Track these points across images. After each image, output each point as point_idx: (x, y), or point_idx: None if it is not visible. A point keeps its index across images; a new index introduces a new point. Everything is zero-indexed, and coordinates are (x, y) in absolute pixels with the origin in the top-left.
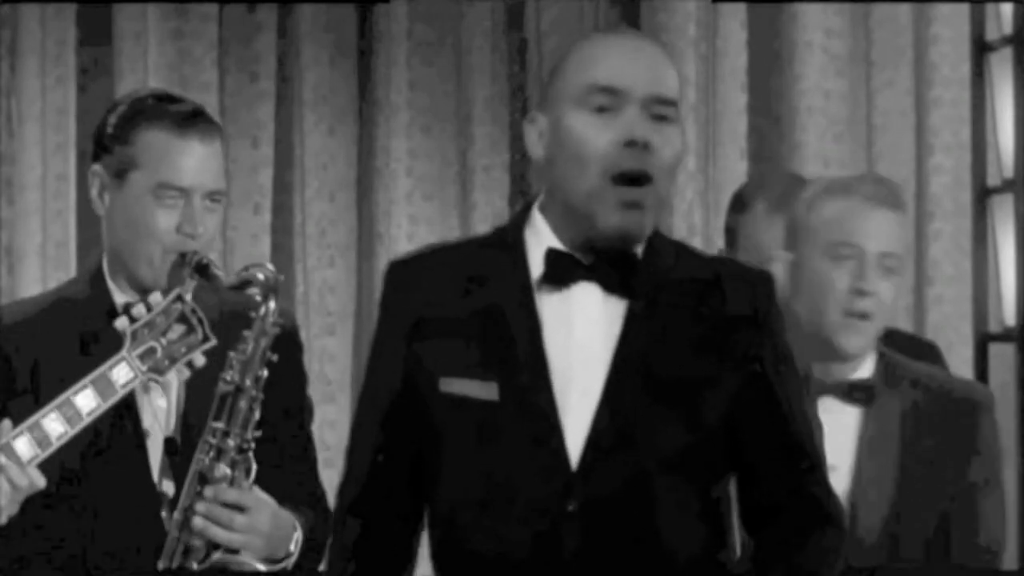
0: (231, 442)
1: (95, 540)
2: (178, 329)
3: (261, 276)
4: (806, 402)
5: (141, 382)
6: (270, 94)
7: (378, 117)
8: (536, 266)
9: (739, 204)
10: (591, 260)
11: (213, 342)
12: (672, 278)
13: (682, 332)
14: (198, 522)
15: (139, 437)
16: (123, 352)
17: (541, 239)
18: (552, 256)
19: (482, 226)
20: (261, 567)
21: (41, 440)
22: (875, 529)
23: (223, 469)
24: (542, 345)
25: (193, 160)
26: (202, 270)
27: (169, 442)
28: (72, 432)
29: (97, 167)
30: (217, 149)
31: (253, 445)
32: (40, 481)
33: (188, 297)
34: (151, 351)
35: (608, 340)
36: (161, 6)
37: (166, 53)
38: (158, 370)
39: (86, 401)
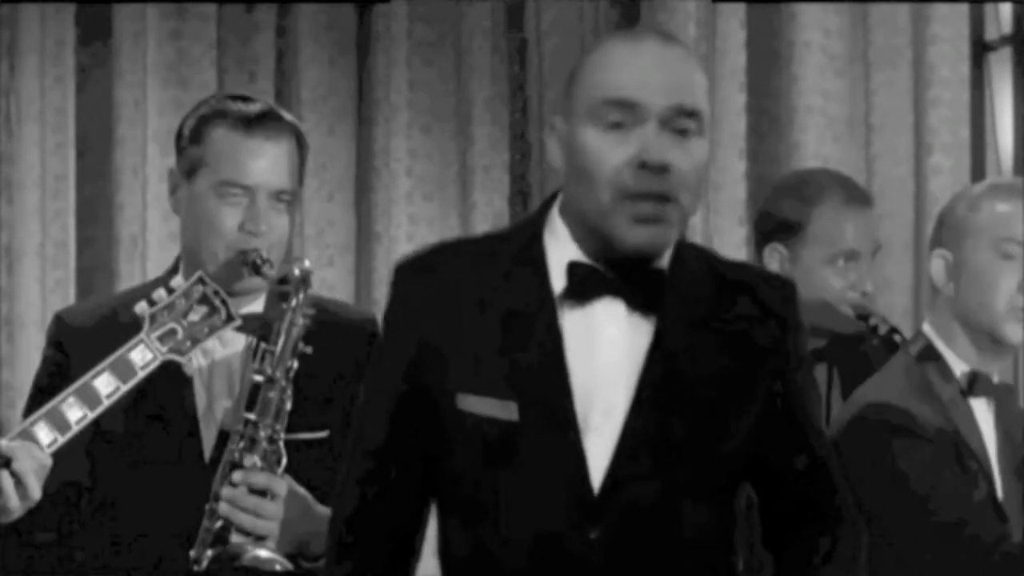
0: (262, 433)
1: (149, 527)
2: (200, 310)
3: (296, 271)
4: (820, 411)
5: (161, 363)
6: (269, 94)
7: (378, 117)
8: (558, 278)
9: (806, 198)
10: (614, 275)
11: (238, 321)
12: (697, 292)
13: (708, 350)
14: (223, 507)
15: (193, 423)
16: (142, 335)
17: (562, 247)
18: (575, 271)
19: (482, 226)
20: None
21: (60, 425)
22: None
23: (254, 459)
24: (564, 364)
25: (258, 160)
26: (256, 268)
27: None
28: (92, 415)
29: (173, 167)
30: (287, 149)
31: (283, 436)
32: (47, 461)
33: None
34: (171, 332)
35: (632, 358)
36: (160, 6)
37: (165, 53)
38: (179, 351)
39: (105, 384)
